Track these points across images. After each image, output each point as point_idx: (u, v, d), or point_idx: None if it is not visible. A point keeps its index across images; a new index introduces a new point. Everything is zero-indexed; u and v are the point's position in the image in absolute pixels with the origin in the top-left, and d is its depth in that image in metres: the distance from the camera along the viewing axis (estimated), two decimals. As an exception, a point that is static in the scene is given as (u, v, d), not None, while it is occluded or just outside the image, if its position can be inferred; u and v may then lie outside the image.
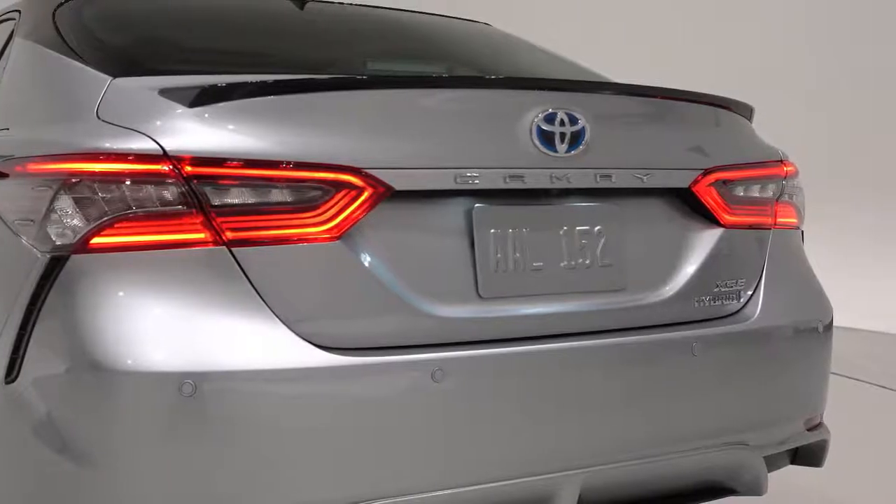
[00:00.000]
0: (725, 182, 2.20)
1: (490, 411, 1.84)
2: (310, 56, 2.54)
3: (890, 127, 7.48)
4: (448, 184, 1.86)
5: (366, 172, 1.78)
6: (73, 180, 1.70)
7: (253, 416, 1.68)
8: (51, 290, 1.69)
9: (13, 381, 1.72)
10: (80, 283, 1.68)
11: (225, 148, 1.73)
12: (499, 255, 1.92)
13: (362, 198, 1.78)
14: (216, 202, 1.71)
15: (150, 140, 1.71)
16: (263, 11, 2.81)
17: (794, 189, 2.38)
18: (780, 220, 2.32)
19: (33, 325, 1.70)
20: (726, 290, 2.18)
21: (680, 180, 2.13)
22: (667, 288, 2.10)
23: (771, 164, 2.33)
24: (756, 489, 2.20)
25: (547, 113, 1.92)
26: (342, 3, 3.01)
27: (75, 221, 1.69)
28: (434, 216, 1.90)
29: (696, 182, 2.15)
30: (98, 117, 1.79)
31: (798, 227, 2.41)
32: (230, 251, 1.72)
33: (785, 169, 2.35)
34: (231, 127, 1.75)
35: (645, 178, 2.07)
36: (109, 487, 1.66)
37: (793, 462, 2.32)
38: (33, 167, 1.78)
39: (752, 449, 2.16)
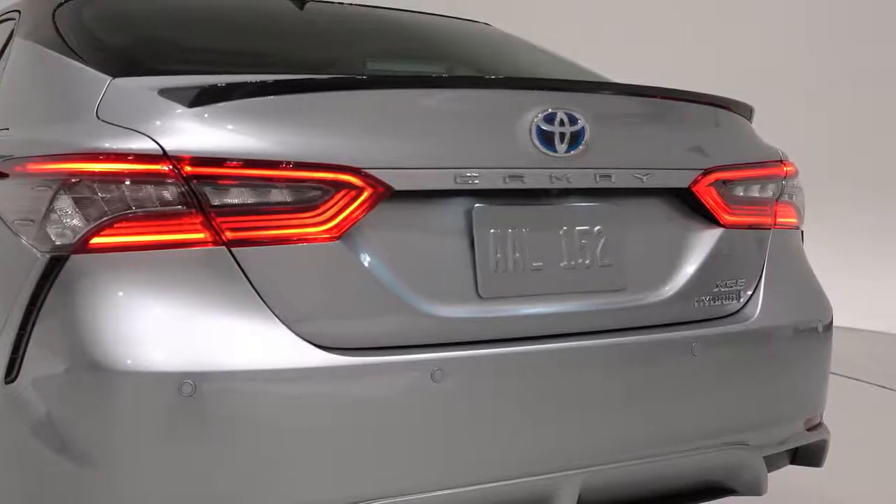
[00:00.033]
0: (725, 182, 2.20)
1: (490, 411, 1.84)
2: (310, 56, 2.54)
3: (890, 127, 7.48)
4: (448, 184, 1.86)
5: (365, 172, 1.78)
6: (73, 180, 1.70)
7: (253, 417, 1.68)
8: (50, 290, 1.69)
9: (13, 381, 1.72)
10: (80, 283, 1.68)
11: (225, 148, 1.73)
12: (498, 255, 1.92)
13: (362, 198, 1.78)
14: (216, 202, 1.71)
15: (149, 140, 1.71)
16: (263, 11, 2.81)
17: (793, 189, 2.38)
18: (779, 220, 2.32)
19: (33, 325, 1.70)
20: (726, 290, 2.18)
21: (680, 180, 2.13)
22: (666, 288, 2.10)
23: (771, 164, 2.33)
24: (756, 489, 2.20)
25: (546, 113, 1.92)
26: (342, 3, 3.01)
27: (75, 221, 1.69)
28: (434, 216, 1.90)
29: (695, 182, 2.15)
30: (98, 117, 1.79)
31: (798, 227, 2.41)
32: (230, 251, 1.72)
33: (785, 169, 2.36)
34: (231, 127, 1.75)
35: (645, 178, 2.07)
36: (109, 487, 1.66)
37: (793, 462, 2.32)
38: (33, 167, 1.78)
39: (751, 449, 2.16)
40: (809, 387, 2.30)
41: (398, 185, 1.81)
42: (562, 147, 1.94)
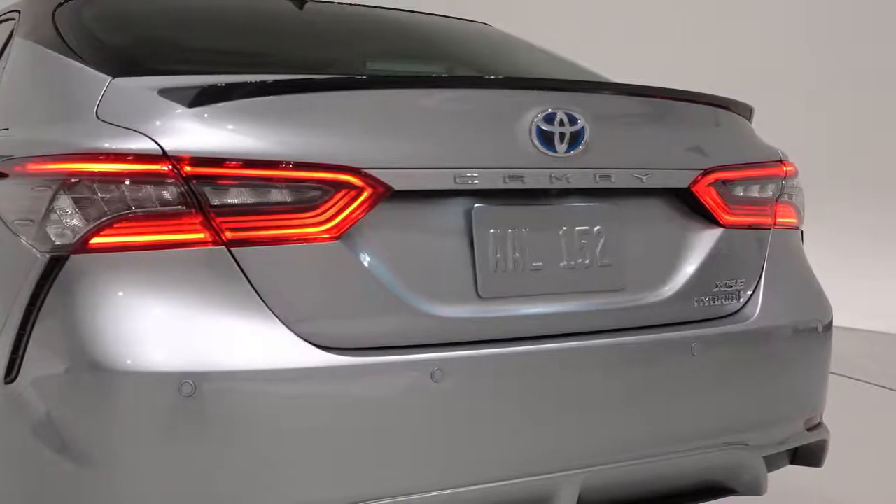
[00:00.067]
0: (725, 182, 2.20)
1: (490, 411, 1.84)
2: (309, 56, 2.54)
3: (890, 127, 7.48)
4: (447, 184, 1.86)
5: (365, 172, 1.78)
6: (73, 180, 1.70)
7: (252, 416, 1.68)
8: (50, 290, 1.69)
9: (13, 381, 1.72)
10: (80, 283, 1.68)
11: (224, 148, 1.73)
12: (498, 255, 1.92)
13: (362, 198, 1.78)
14: (215, 202, 1.71)
15: (149, 140, 1.71)
16: (263, 11, 2.81)
17: (793, 189, 2.38)
18: (779, 220, 2.32)
19: (33, 325, 1.70)
20: (726, 290, 2.18)
21: (679, 180, 2.13)
22: (666, 288, 2.10)
23: (770, 164, 2.33)
24: (756, 489, 2.20)
25: (546, 113, 1.92)
26: (342, 3, 3.01)
27: (75, 221, 1.69)
28: (433, 216, 1.90)
29: (695, 182, 2.15)
30: (97, 117, 1.79)
31: (798, 227, 2.41)
32: (229, 251, 1.72)
33: (784, 169, 2.35)
34: (230, 127, 1.75)
35: (644, 178, 2.07)
36: (109, 487, 1.66)
37: (792, 462, 2.32)
38: (33, 167, 1.78)
39: (751, 449, 2.16)
40: (809, 387, 2.30)
41: (398, 185, 1.81)
42: (561, 147, 1.94)
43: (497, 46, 3.04)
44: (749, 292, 2.22)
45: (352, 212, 1.78)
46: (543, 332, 1.93)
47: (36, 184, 1.74)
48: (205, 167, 1.71)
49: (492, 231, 1.92)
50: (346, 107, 1.84)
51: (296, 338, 1.72)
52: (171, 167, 1.70)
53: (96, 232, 1.69)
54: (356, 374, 1.74)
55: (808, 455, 2.32)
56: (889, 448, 3.95)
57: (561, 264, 1.98)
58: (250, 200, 1.73)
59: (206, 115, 1.74)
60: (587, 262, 2.01)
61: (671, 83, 2.24)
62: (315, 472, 1.73)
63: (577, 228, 2.01)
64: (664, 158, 2.12)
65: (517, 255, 1.94)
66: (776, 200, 2.32)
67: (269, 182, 1.74)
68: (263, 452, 1.68)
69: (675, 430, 2.06)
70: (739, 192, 2.24)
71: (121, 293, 1.67)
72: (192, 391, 1.63)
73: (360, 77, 2.25)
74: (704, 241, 2.16)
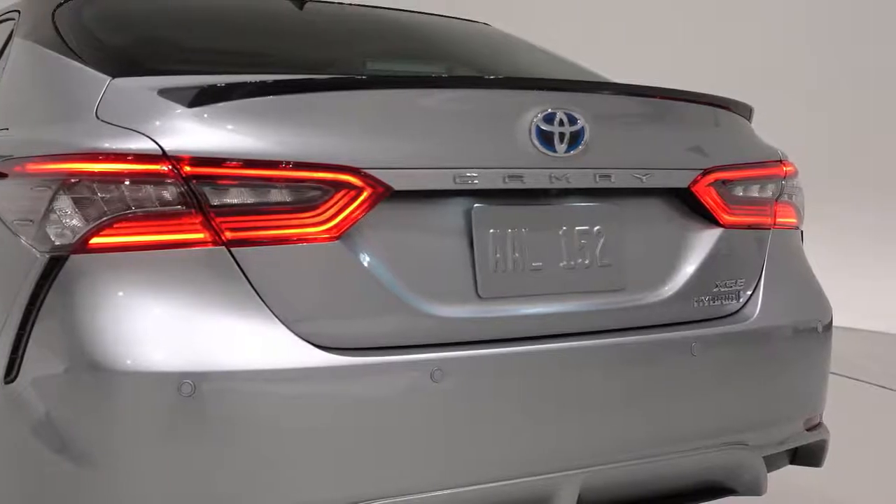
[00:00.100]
0: (725, 182, 2.20)
1: (489, 411, 1.84)
2: (309, 56, 2.54)
3: (890, 127, 7.48)
4: (447, 184, 1.86)
5: (365, 172, 1.78)
6: (73, 180, 1.70)
7: (252, 417, 1.68)
8: (50, 290, 1.69)
9: (12, 381, 1.72)
10: (80, 283, 1.68)
11: (224, 148, 1.73)
12: (498, 255, 1.92)
13: (361, 198, 1.78)
14: (215, 202, 1.71)
15: (149, 140, 1.71)
16: (263, 11, 2.81)
17: (793, 189, 2.38)
18: (779, 220, 2.32)
19: (32, 325, 1.70)
20: (725, 290, 2.18)
21: (679, 180, 2.13)
22: (666, 288, 2.10)
23: (770, 164, 2.33)
24: (756, 489, 2.20)
25: (546, 113, 1.92)
26: (341, 3, 3.01)
27: (74, 221, 1.69)
28: (433, 216, 1.90)
29: (695, 182, 2.15)
30: (97, 117, 1.79)
31: (797, 227, 2.41)
32: (229, 251, 1.72)
33: (784, 169, 2.35)
34: (230, 127, 1.75)
35: (644, 178, 2.07)
36: (109, 487, 1.66)
37: (792, 462, 2.32)
38: (32, 167, 1.78)
39: (751, 449, 2.16)
40: (809, 387, 2.30)
41: (398, 185, 1.81)
42: (561, 147, 1.94)
43: (497, 46, 3.04)
44: (749, 292, 2.22)
45: (352, 212, 1.78)
46: (543, 332, 1.93)
47: (35, 184, 1.74)
48: (204, 167, 1.71)
49: (491, 231, 1.92)
50: (345, 107, 1.84)
51: (296, 338, 1.72)
52: (170, 167, 1.70)
53: (96, 232, 1.69)
54: (356, 374, 1.74)
55: (808, 455, 2.32)
56: (889, 448, 3.95)
57: (561, 264, 1.98)
58: (250, 200, 1.73)
59: (205, 115, 1.74)
60: (587, 262, 2.01)
61: (671, 83, 2.24)
62: (315, 472, 1.73)
63: (577, 228, 2.01)
64: (664, 158, 2.12)
65: (517, 255, 1.94)
66: (776, 200, 2.32)
67: (269, 182, 1.74)
68: (263, 452, 1.68)
69: (675, 430, 2.06)
70: (739, 192, 2.24)
71: (120, 293, 1.67)
72: (191, 391, 1.63)
73: (359, 77, 2.25)
74: (704, 241, 2.16)
